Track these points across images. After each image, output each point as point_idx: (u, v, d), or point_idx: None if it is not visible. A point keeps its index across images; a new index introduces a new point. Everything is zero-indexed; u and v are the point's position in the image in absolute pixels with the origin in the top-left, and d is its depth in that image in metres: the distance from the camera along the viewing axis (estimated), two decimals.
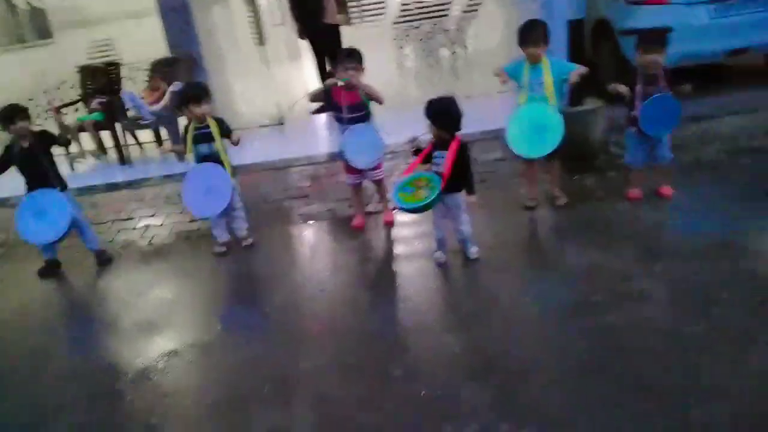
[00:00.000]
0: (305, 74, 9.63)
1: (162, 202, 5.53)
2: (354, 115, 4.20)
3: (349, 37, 7.45)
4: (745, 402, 2.36)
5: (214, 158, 4.27)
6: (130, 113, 6.64)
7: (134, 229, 5.19)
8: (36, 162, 4.36)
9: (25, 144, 4.36)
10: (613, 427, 2.34)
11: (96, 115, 6.73)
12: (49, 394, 3.16)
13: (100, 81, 6.99)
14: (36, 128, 4.57)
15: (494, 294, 3.43)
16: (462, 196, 3.64)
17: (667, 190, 4.20)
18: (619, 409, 2.42)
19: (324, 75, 7.35)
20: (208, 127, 4.25)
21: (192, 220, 5.05)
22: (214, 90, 6.40)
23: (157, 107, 6.45)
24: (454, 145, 3.51)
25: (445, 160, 3.50)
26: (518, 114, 4.10)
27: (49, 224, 4.32)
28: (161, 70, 6.76)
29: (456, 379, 2.75)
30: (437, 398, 2.63)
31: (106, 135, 6.82)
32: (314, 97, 4.45)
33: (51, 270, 4.64)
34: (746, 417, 2.30)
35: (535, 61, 4.07)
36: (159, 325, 3.65)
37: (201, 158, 4.29)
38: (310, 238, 4.60)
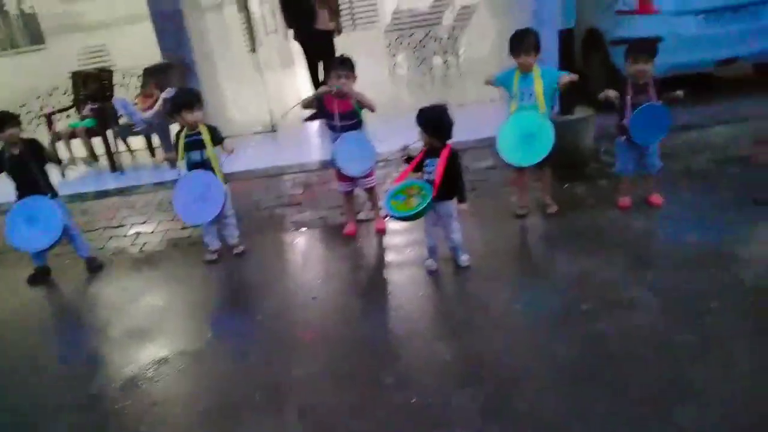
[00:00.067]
0: (298, 81, 9.66)
1: (153, 210, 5.52)
2: (346, 122, 4.21)
3: (341, 45, 7.49)
4: (735, 409, 2.38)
5: (206, 165, 4.26)
6: (123, 120, 6.63)
7: (125, 236, 5.17)
8: (26, 169, 4.34)
9: (15, 151, 4.35)
10: None
11: (88, 122, 6.73)
12: (38, 401, 3.13)
13: (93, 87, 6.98)
14: (26, 135, 4.56)
15: (485, 302, 3.43)
16: (453, 204, 3.66)
17: (656, 198, 4.23)
18: (610, 416, 2.43)
19: (317, 82, 7.38)
20: (200, 134, 4.25)
21: (184, 228, 5.04)
22: (207, 97, 6.41)
23: (148, 114, 6.44)
24: (445, 153, 3.53)
25: (436, 167, 3.52)
26: (509, 122, 4.12)
27: (39, 231, 4.29)
28: (154, 77, 6.76)
29: (447, 386, 2.76)
30: (428, 406, 2.64)
31: (97, 142, 6.80)
32: (306, 105, 4.46)
33: (41, 277, 4.61)
34: (737, 424, 2.32)
35: (526, 70, 4.10)
36: (149, 333, 3.63)
37: (192, 165, 4.28)
38: (302, 245, 4.59)
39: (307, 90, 7.70)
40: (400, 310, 3.49)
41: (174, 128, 4.59)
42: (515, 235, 4.29)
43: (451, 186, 3.57)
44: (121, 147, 7.06)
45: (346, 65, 4.18)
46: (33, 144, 4.49)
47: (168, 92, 6.34)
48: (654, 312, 3.09)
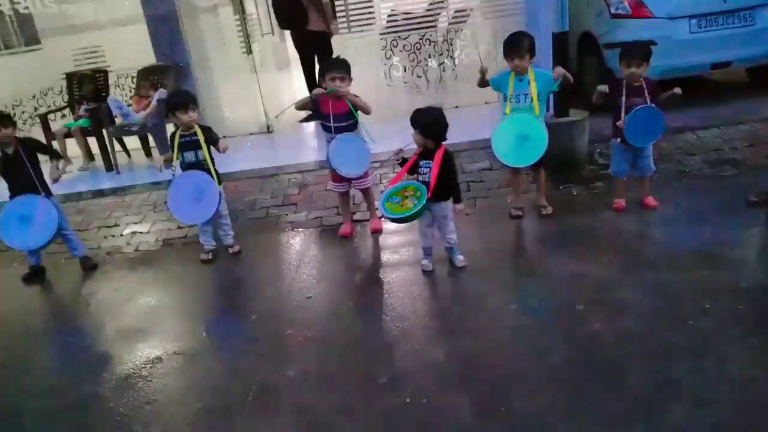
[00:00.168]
0: (294, 83, 9.66)
1: (149, 209, 5.51)
2: (341, 124, 4.22)
3: (336, 48, 7.50)
4: (729, 410, 2.39)
5: (201, 166, 4.26)
6: (118, 120, 6.62)
7: (121, 235, 5.16)
8: (20, 169, 4.33)
9: (9, 150, 4.34)
10: None
11: (83, 122, 6.72)
12: (32, 400, 3.13)
13: (88, 88, 6.97)
14: (21, 135, 4.55)
15: (480, 302, 3.44)
16: (448, 205, 3.68)
17: (651, 200, 4.25)
18: (603, 416, 2.44)
19: (312, 83, 7.37)
20: (195, 134, 4.25)
21: (179, 227, 5.04)
22: (202, 98, 6.42)
23: (141, 115, 6.44)
24: (439, 155, 3.54)
25: (431, 169, 3.53)
26: (504, 124, 4.14)
27: (33, 231, 4.28)
28: (149, 78, 6.76)
29: (441, 386, 2.76)
30: (422, 406, 2.64)
31: (93, 142, 6.79)
32: (300, 107, 4.46)
33: (35, 276, 4.60)
34: (730, 425, 2.33)
35: (520, 73, 4.12)
36: (144, 332, 3.63)
37: (187, 166, 4.28)
38: (297, 245, 4.59)
39: (303, 91, 7.70)
40: (395, 310, 3.49)
41: (171, 129, 4.59)
42: (510, 236, 4.31)
43: (446, 187, 3.58)
44: (117, 147, 7.04)
45: (341, 67, 4.19)
46: (27, 143, 4.48)
47: (160, 93, 6.34)
48: (648, 313, 3.10)
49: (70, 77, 7.28)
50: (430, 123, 3.55)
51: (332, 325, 3.46)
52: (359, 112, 4.24)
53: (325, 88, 4.15)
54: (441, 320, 3.40)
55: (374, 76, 7.14)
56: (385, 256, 4.24)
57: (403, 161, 3.72)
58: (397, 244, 4.32)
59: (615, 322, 3.04)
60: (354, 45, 7.08)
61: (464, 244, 3.89)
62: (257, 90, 7.53)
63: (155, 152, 6.75)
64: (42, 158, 4.52)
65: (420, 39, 7.18)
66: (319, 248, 4.55)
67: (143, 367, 3.23)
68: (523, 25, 5.81)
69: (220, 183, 4.34)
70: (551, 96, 4.58)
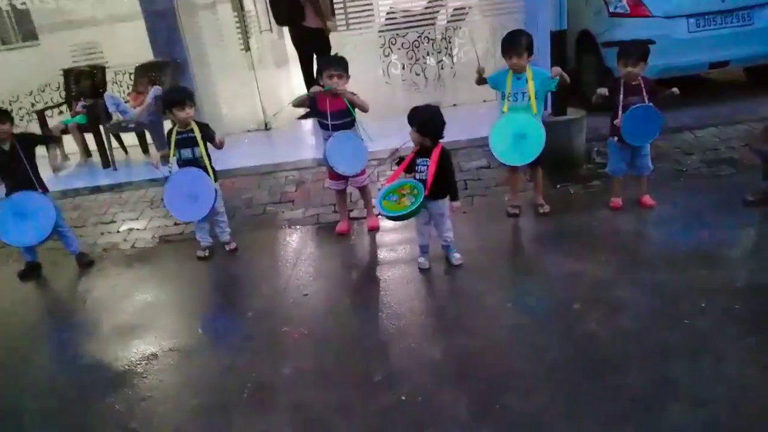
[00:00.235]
0: (292, 80, 9.65)
1: (145, 206, 5.50)
2: (338, 121, 4.21)
3: (335, 45, 7.48)
4: (726, 409, 2.39)
5: (198, 163, 4.25)
6: (116, 117, 6.61)
7: (117, 232, 5.15)
8: (17, 165, 4.32)
9: (6, 146, 4.32)
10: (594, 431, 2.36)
11: (80, 118, 6.69)
12: (28, 397, 3.12)
13: (85, 84, 6.95)
14: (17, 130, 4.53)
15: (477, 300, 3.44)
16: (445, 203, 3.67)
17: (648, 199, 4.25)
18: (600, 415, 2.44)
19: (310, 80, 7.36)
20: (191, 131, 4.24)
21: (176, 224, 5.03)
22: (200, 95, 6.40)
23: (137, 111, 6.42)
24: (436, 152, 3.54)
25: (428, 167, 3.53)
26: (501, 122, 4.14)
27: (29, 227, 4.27)
28: (147, 74, 6.74)
29: (437, 384, 2.76)
30: (418, 404, 2.64)
31: (90, 138, 6.77)
32: (298, 104, 4.45)
33: (32, 272, 4.58)
34: (727, 424, 2.33)
35: (518, 71, 4.11)
36: (140, 329, 3.62)
37: (184, 162, 4.27)
38: (294, 243, 4.59)
39: (301, 88, 7.69)
40: (392, 308, 3.49)
41: (168, 125, 4.58)
42: (507, 234, 4.31)
43: (443, 185, 3.58)
44: (114, 143, 7.02)
45: (339, 65, 4.18)
46: (24, 138, 4.47)
47: (155, 90, 6.32)
48: (645, 312, 3.10)
49: (67, 73, 7.25)
50: (427, 121, 3.54)
51: (329, 322, 3.46)
52: (357, 109, 4.23)
53: (323, 86, 4.14)
54: (437, 318, 3.40)
55: (372, 73, 7.13)
56: (382, 254, 4.24)
57: (400, 160, 3.71)
58: (394, 242, 4.31)
59: (612, 321, 3.04)
60: (352, 42, 7.07)
61: (461, 242, 3.89)
62: (255, 87, 7.53)
63: (152, 149, 6.74)
64: (39, 152, 4.49)
65: (418, 37, 7.16)
66: (315, 246, 4.54)
67: (139, 364, 3.23)
68: (521, 23, 5.82)
69: (216, 180, 4.33)
70: (549, 94, 4.56)
